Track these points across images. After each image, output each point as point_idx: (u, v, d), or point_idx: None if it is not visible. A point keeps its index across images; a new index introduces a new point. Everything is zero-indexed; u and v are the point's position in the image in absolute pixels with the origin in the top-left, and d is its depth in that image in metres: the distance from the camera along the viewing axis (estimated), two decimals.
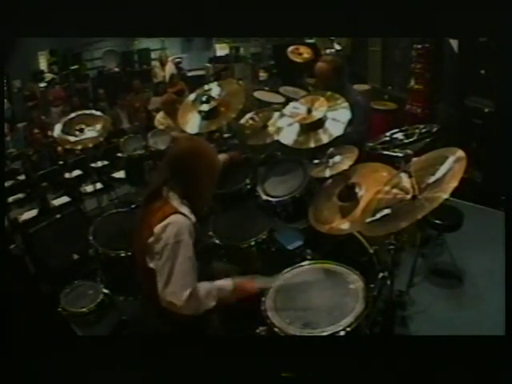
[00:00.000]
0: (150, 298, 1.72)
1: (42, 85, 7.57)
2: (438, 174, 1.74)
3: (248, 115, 3.14)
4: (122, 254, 2.38)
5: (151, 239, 1.64)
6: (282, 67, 6.90)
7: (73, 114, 3.81)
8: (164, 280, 1.60)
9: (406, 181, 1.81)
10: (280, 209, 2.56)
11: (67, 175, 4.83)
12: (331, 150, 2.41)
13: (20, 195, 4.68)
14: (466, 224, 2.86)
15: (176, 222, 1.64)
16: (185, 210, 1.72)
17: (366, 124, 2.97)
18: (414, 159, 1.91)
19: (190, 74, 8.79)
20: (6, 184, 4.65)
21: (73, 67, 8.09)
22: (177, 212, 1.67)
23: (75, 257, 3.14)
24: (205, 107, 2.84)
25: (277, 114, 2.92)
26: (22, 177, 5.09)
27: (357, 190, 2.26)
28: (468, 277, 2.98)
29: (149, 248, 1.66)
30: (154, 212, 1.69)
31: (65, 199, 4.35)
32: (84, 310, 2.42)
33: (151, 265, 1.67)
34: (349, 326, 1.65)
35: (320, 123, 2.53)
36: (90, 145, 3.62)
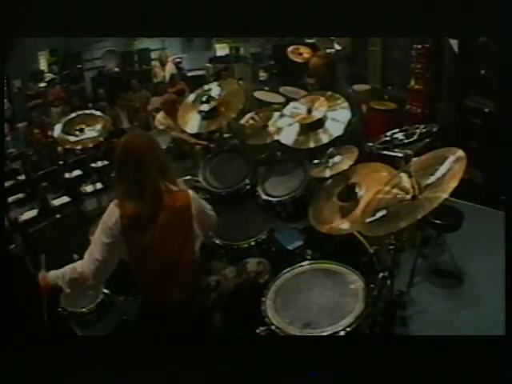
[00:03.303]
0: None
1: (42, 85, 7.56)
2: (438, 174, 1.74)
3: (248, 115, 3.14)
4: None
5: (195, 206, 1.83)
6: (282, 67, 6.90)
7: (73, 114, 3.82)
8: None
9: (406, 181, 1.82)
10: (280, 209, 2.56)
11: (67, 175, 4.83)
12: (331, 149, 2.41)
13: (20, 195, 4.66)
14: (465, 224, 2.86)
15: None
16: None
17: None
18: (414, 159, 1.92)
19: (189, 74, 8.77)
20: (6, 184, 4.64)
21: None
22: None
23: (75, 257, 3.13)
24: (205, 107, 2.84)
25: (277, 113, 2.92)
26: (22, 177, 5.06)
27: (357, 189, 2.26)
28: (468, 277, 2.98)
29: (190, 217, 1.82)
30: (170, 201, 1.78)
31: (65, 199, 4.34)
32: (84, 310, 2.42)
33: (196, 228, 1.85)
34: (349, 326, 1.66)
35: (320, 123, 2.53)
36: (90, 145, 3.62)
